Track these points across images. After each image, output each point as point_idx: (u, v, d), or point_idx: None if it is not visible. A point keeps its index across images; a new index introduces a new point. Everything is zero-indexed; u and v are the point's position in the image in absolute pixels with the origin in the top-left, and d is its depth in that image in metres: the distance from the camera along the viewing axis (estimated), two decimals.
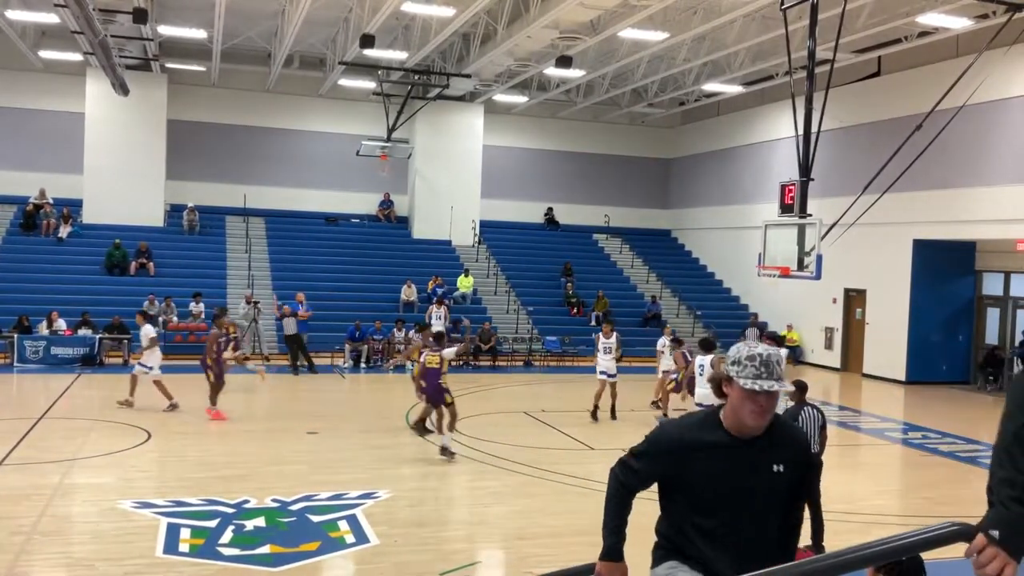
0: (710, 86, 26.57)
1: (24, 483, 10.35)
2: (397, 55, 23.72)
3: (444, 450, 12.16)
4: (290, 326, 21.26)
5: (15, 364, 20.33)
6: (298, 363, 21.19)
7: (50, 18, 20.90)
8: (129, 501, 9.61)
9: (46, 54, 25.54)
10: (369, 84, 27.36)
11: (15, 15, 21.39)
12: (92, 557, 7.80)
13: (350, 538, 8.69)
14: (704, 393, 13.47)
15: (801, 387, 8.79)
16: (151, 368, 15.32)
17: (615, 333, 16.12)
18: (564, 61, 21.74)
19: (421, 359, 12.98)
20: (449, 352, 13.05)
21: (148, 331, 15.57)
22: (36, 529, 8.49)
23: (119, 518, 9.10)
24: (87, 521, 9.16)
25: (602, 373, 15.83)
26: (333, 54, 25.86)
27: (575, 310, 27.52)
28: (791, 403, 8.77)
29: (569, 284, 28.46)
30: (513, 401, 18.34)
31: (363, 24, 20.54)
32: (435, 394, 12.54)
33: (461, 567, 8.07)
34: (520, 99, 29.58)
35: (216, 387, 14.93)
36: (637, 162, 33.82)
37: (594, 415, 15.71)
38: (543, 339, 25.31)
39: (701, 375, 13.63)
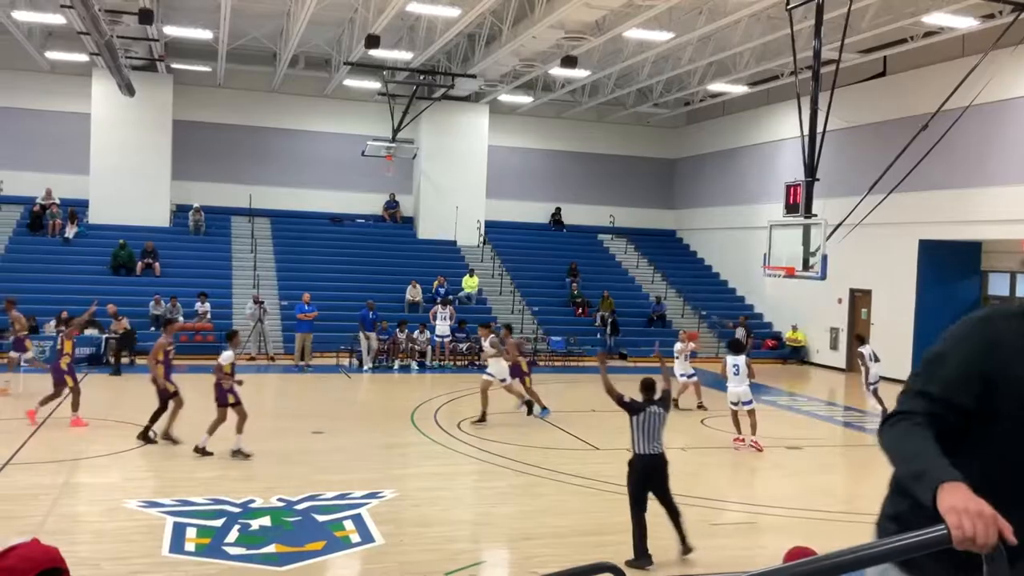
0: (715, 86, 26.55)
1: (30, 482, 10.38)
2: (402, 55, 23.74)
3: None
4: None
5: (21, 364, 20.33)
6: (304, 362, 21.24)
7: (56, 19, 20.93)
8: (135, 500, 9.64)
9: (52, 55, 25.62)
10: (374, 84, 27.39)
11: (21, 16, 21.42)
12: (98, 556, 7.83)
13: (355, 537, 8.70)
14: (738, 391, 13.69)
15: (648, 385, 8.69)
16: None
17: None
18: (569, 61, 21.73)
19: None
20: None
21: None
22: (42, 528, 8.51)
23: (125, 517, 9.12)
24: (93, 520, 9.18)
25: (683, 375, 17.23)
26: (338, 54, 25.90)
27: (580, 310, 27.52)
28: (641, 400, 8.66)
29: (574, 284, 28.46)
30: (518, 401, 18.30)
31: (368, 24, 20.57)
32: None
33: (466, 567, 8.08)
34: (525, 99, 29.59)
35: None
36: (642, 162, 33.81)
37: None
38: (548, 339, 25.31)
39: (736, 375, 13.86)
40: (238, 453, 11.89)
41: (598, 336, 24.62)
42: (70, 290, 23.57)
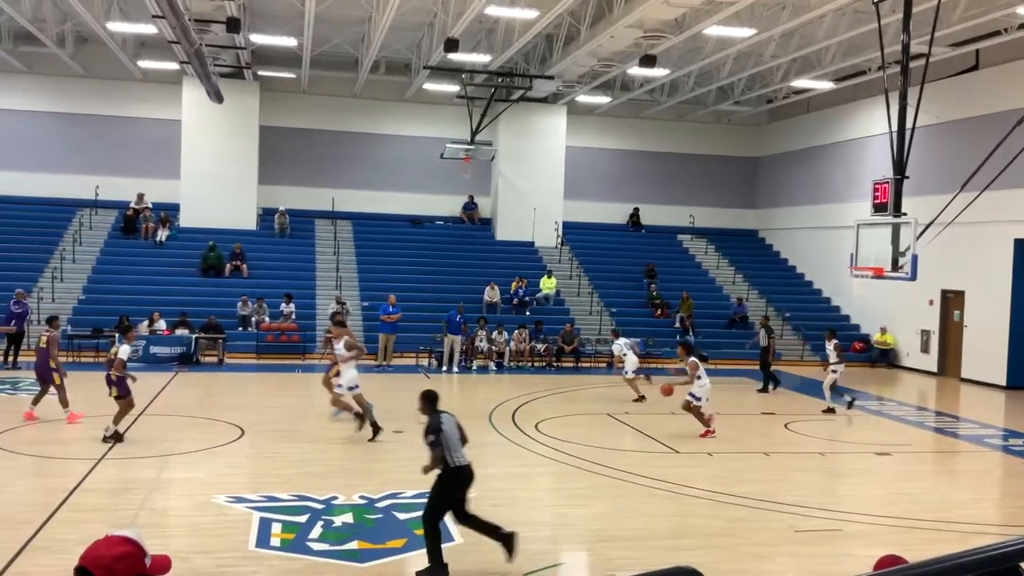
0: (799, 82, 25.98)
1: (124, 477, 10.78)
2: (480, 58, 23.89)
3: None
4: None
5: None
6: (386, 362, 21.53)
7: (148, 29, 21.71)
8: (223, 496, 9.90)
9: (145, 64, 26.58)
10: (453, 87, 27.63)
11: (116, 27, 22.31)
12: (187, 549, 8.07)
13: None
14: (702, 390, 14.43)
15: (429, 397, 8.37)
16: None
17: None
18: (648, 60, 21.55)
19: None
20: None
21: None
22: (135, 521, 8.82)
23: (214, 512, 9.39)
24: (183, 514, 9.48)
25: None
26: (418, 59, 26.21)
27: (659, 312, 27.25)
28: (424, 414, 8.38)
29: (653, 285, 28.19)
30: (596, 403, 18.26)
31: (447, 28, 20.76)
32: None
33: (545, 567, 8.08)
34: (603, 99, 29.45)
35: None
36: (723, 161, 33.30)
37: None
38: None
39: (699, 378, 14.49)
40: (115, 437, 12.34)
41: (677, 338, 24.27)
42: (162, 291, 24.41)
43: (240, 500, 9.77)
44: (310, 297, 25.52)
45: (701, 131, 32.84)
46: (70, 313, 23.02)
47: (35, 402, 14.16)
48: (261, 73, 27.70)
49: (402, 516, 9.40)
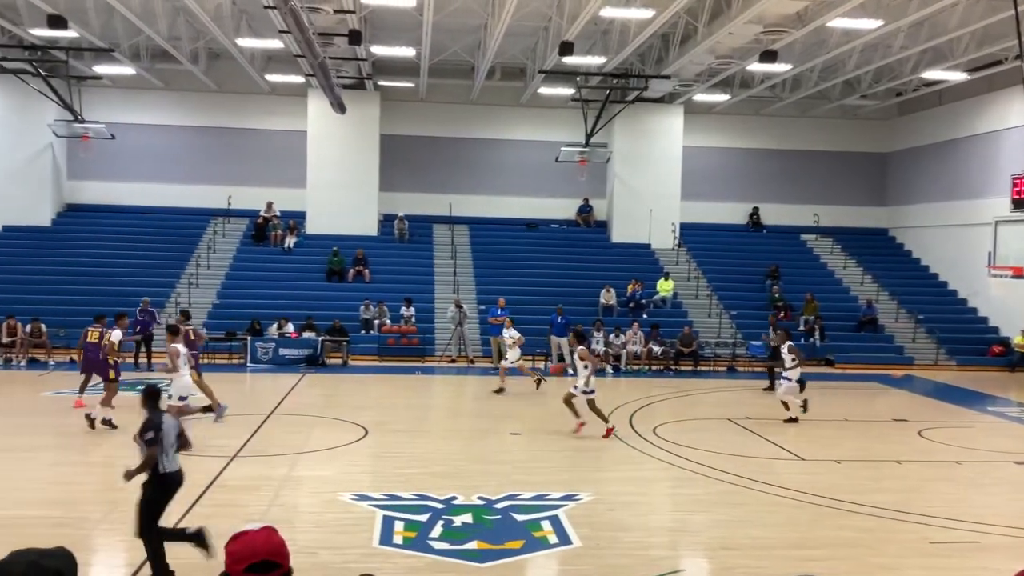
0: (930, 74, 24.81)
1: (256, 474, 11.24)
2: (595, 60, 23.83)
3: None
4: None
5: (248, 364, 22.13)
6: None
7: (275, 44, 22.66)
8: (348, 493, 10.21)
9: (272, 77, 27.71)
10: (567, 90, 27.64)
11: (245, 43, 23.36)
12: (315, 545, 8.35)
13: (553, 538, 8.80)
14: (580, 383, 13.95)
15: (150, 393, 7.81)
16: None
17: None
18: (769, 56, 21.01)
19: None
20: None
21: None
22: (266, 517, 9.18)
23: (340, 509, 9.69)
24: (311, 511, 9.81)
25: None
26: (533, 63, 26.36)
27: (782, 314, 26.48)
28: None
29: (775, 287, 27.43)
30: (716, 407, 17.91)
31: (562, 32, 20.79)
32: None
33: (667, 574, 7.98)
34: (721, 97, 28.89)
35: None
36: (849, 157, 32.11)
37: None
38: (748, 344, 24.55)
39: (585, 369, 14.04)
40: (108, 423, 13.45)
41: (803, 341, 23.58)
42: (289, 296, 25.37)
43: (364, 498, 10.04)
44: (429, 301, 26.00)
45: (825, 127, 31.77)
46: (205, 317, 24.18)
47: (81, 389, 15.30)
48: (381, 83, 28.43)
49: (520, 517, 9.45)
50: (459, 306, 23.94)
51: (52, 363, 21.23)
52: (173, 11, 22.48)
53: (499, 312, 22.84)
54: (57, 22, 19.74)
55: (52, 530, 8.40)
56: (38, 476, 11.09)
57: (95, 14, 21.73)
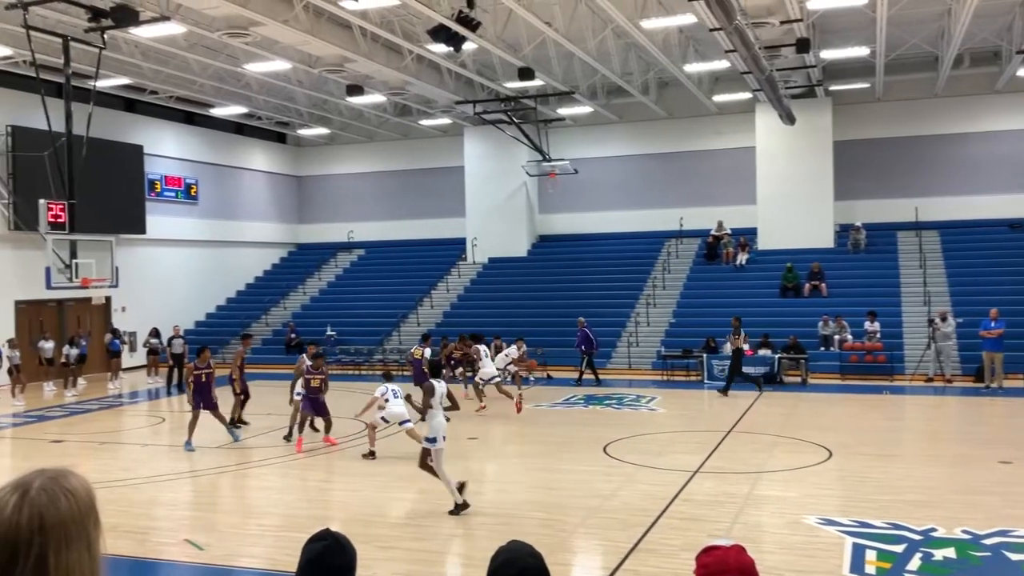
0: None
1: (717, 490, 11.33)
2: None
3: None
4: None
5: (705, 381, 22.46)
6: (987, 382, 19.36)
7: (721, 64, 22.89)
8: (813, 517, 9.84)
9: (719, 98, 28.03)
10: None
11: (692, 68, 23.96)
12: (781, 567, 8.17)
13: None
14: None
15: None
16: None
17: None
18: None
19: None
20: None
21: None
22: (730, 533, 9.20)
23: (805, 532, 9.37)
24: (776, 531, 9.62)
25: None
26: (1008, 44, 23.34)
27: None
28: None
29: None
30: None
31: None
32: None
33: None
34: None
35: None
36: None
37: None
38: None
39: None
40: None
41: None
42: (744, 313, 25.21)
43: (831, 523, 9.61)
44: (895, 315, 24.16)
45: None
46: (662, 335, 25.10)
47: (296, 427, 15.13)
48: (832, 88, 27.28)
49: (1014, 556, 8.34)
50: (943, 318, 21.68)
51: (531, 379, 23.40)
52: (625, 48, 23.85)
53: (991, 324, 20.37)
54: (526, 74, 22.14)
55: (537, 529, 9.29)
56: (523, 479, 12.35)
57: (557, 61, 23.87)
